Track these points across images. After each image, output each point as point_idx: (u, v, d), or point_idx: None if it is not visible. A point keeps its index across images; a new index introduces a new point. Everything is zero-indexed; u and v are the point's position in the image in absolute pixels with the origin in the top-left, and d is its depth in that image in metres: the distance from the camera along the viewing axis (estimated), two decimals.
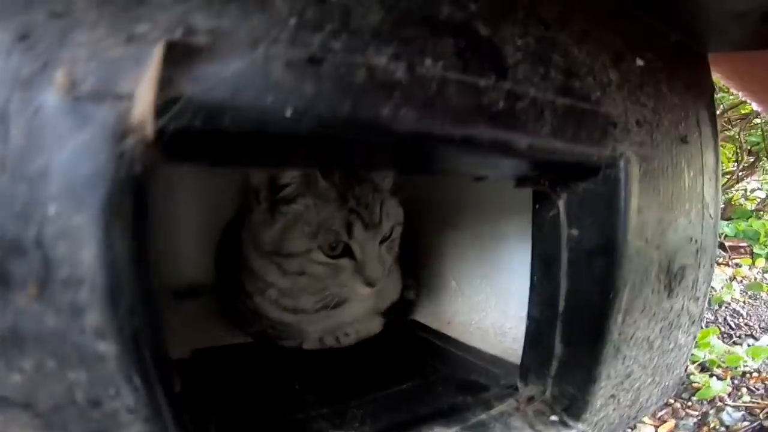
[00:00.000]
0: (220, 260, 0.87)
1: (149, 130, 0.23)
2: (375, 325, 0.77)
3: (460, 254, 0.82)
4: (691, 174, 0.52)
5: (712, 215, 0.56)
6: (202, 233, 0.90)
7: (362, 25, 0.29)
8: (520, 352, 0.58)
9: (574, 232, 0.47)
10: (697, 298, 0.58)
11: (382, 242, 0.67)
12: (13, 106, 0.22)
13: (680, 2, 0.45)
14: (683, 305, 0.56)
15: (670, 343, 0.57)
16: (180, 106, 0.24)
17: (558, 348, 0.52)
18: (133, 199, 0.23)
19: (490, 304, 0.76)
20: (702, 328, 1.03)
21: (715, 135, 0.56)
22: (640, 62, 0.46)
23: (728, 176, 1.66)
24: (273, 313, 0.71)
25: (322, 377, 0.64)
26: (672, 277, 0.52)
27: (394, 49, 0.31)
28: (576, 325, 0.50)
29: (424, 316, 0.84)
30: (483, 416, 0.53)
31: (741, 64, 0.55)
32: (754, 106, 0.71)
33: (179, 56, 0.24)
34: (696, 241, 0.54)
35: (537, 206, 0.50)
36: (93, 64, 0.23)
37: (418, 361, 0.69)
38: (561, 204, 0.47)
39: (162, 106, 0.23)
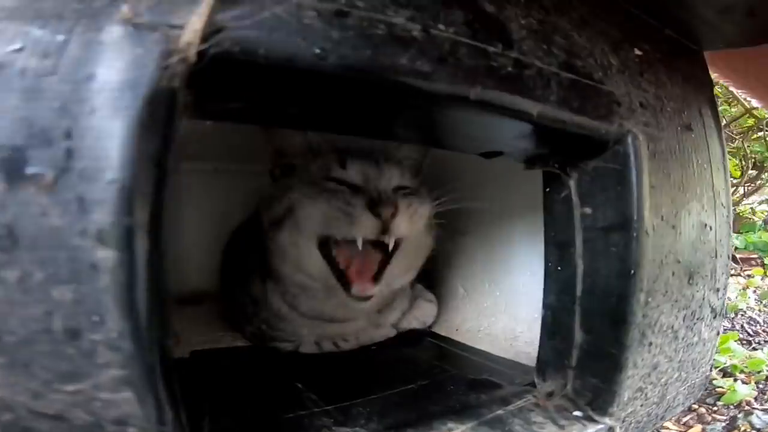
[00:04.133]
0: (227, 261, 0.88)
1: (193, 51, 0.26)
2: (379, 333, 0.74)
3: (468, 260, 0.82)
4: (699, 161, 0.53)
5: (724, 204, 0.56)
6: (208, 240, 0.93)
7: None
8: (533, 354, 0.56)
9: (588, 210, 0.48)
10: (717, 290, 0.56)
11: (403, 196, 0.61)
12: (78, 29, 0.25)
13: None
14: (704, 295, 0.55)
15: (694, 336, 0.55)
16: (222, 36, 0.27)
17: (578, 336, 0.50)
18: (167, 108, 0.25)
19: (500, 308, 0.74)
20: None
21: (718, 128, 0.58)
22: (638, 52, 0.49)
23: (733, 188, 1.68)
24: (274, 302, 0.69)
25: (324, 378, 0.62)
26: (690, 261, 0.51)
27: (411, 12, 0.34)
28: (596, 308, 0.49)
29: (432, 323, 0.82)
30: (500, 412, 0.51)
31: (736, 61, 0.58)
32: (755, 103, 0.74)
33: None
34: (710, 228, 0.54)
35: (548, 189, 0.51)
36: (154, 1, 0.27)
37: (426, 363, 0.67)
38: (572, 183, 0.48)
39: (207, 35, 0.26)
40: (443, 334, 0.79)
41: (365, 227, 0.56)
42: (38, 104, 0.24)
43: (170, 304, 0.28)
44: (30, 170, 0.23)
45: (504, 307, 0.74)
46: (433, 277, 0.85)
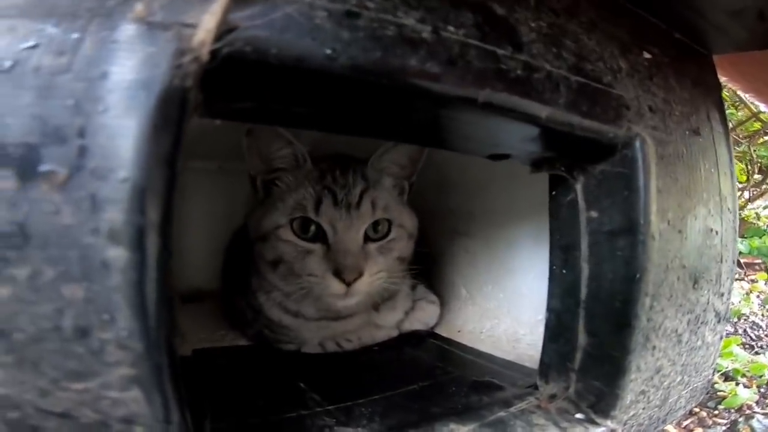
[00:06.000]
0: (228, 262, 0.88)
1: (205, 50, 0.26)
2: (382, 334, 0.74)
3: (471, 262, 0.82)
4: (707, 165, 0.53)
5: (731, 209, 0.56)
6: (212, 238, 0.93)
7: None
8: (536, 357, 0.56)
9: (594, 214, 0.48)
10: (722, 294, 0.56)
11: (373, 241, 0.65)
12: (92, 27, 0.26)
13: (677, 2, 0.48)
14: (708, 299, 0.54)
15: (698, 340, 0.55)
16: (235, 35, 0.27)
17: (582, 339, 0.50)
18: (179, 108, 0.25)
19: (503, 310, 0.74)
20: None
21: (726, 133, 0.58)
22: (647, 55, 0.49)
23: (738, 192, 1.67)
24: (274, 315, 0.70)
25: (327, 378, 0.62)
26: (696, 266, 0.51)
27: (421, 14, 0.34)
28: (601, 312, 0.49)
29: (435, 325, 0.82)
30: (502, 414, 0.51)
31: (745, 65, 0.58)
32: (762, 107, 0.73)
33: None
34: (716, 233, 0.54)
35: (554, 192, 0.51)
36: (167, 0, 0.27)
37: (428, 364, 0.67)
38: (578, 187, 0.48)
39: (220, 34, 0.27)
40: (445, 335, 0.78)
41: (332, 287, 0.62)
42: (52, 102, 0.24)
43: (177, 303, 0.28)
44: (43, 168, 0.23)
45: (507, 309, 0.74)
46: (436, 279, 0.85)
